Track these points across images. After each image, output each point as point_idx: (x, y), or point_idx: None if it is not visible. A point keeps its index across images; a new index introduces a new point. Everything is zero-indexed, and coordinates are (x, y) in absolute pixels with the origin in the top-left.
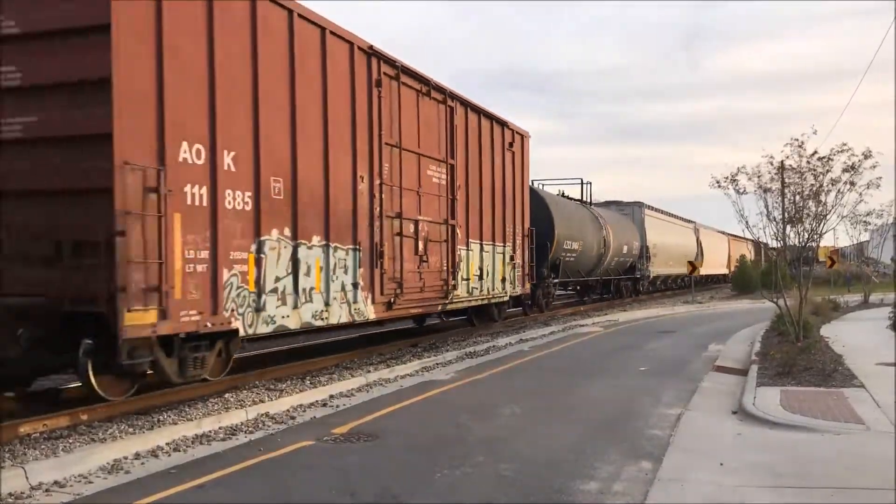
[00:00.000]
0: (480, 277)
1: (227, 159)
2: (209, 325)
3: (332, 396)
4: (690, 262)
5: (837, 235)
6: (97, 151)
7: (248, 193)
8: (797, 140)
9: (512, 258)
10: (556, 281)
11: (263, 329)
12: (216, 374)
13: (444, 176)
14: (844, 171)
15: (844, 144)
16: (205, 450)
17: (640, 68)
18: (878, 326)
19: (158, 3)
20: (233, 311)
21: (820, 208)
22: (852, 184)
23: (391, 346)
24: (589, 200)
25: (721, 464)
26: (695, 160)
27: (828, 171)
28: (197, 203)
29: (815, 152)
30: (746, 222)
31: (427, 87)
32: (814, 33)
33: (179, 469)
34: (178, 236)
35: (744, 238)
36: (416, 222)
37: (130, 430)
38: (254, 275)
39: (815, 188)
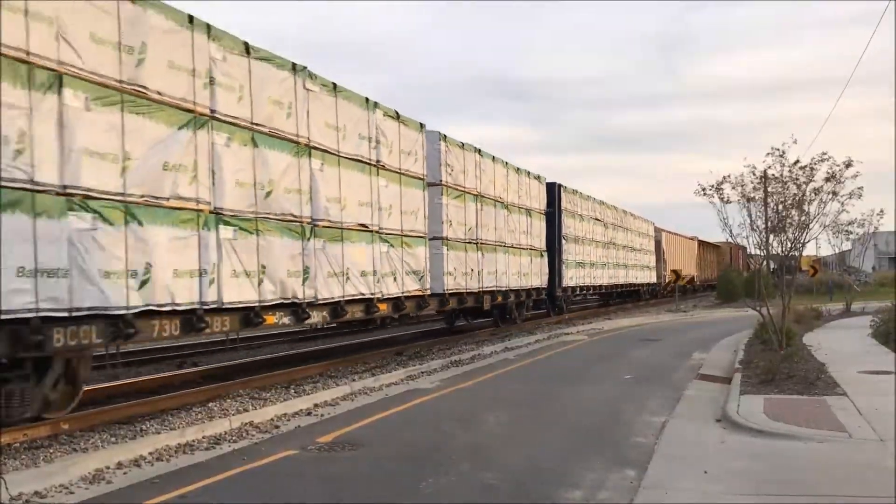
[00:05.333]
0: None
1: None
2: None
3: (316, 405)
4: (674, 271)
5: (820, 245)
6: None
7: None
8: (779, 149)
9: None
10: None
11: None
12: None
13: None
14: (826, 180)
15: (825, 153)
16: (188, 459)
17: (620, 77)
18: (861, 335)
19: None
20: None
21: (802, 217)
22: (834, 193)
23: (376, 355)
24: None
25: (705, 471)
26: (674, 168)
27: (810, 180)
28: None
29: (798, 161)
30: (730, 231)
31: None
32: (794, 42)
33: (162, 479)
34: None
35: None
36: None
37: (113, 439)
38: None
39: (797, 197)
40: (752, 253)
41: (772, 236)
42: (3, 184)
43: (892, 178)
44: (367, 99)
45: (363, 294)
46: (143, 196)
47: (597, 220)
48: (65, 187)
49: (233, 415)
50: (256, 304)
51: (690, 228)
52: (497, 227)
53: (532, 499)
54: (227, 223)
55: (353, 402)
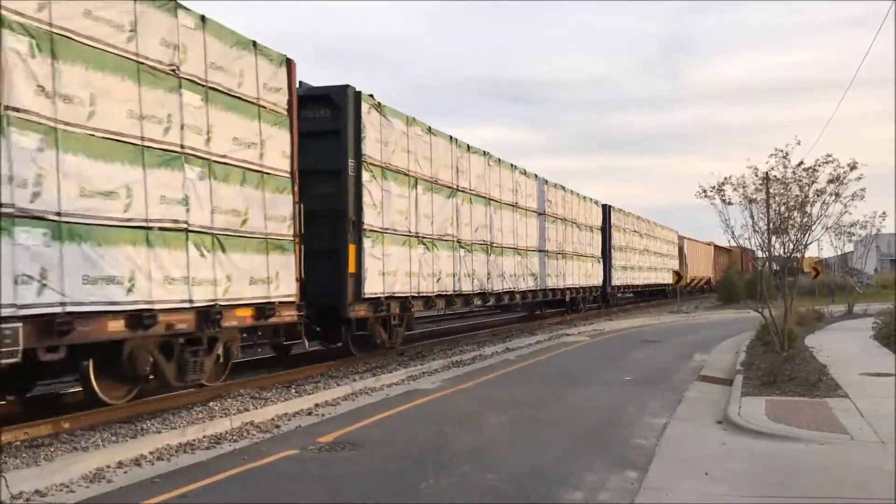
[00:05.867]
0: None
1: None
2: None
3: (317, 405)
4: (676, 272)
5: (822, 246)
6: None
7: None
8: (782, 151)
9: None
10: None
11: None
12: None
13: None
14: (830, 182)
15: (829, 155)
16: (189, 458)
17: (622, 79)
18: (862, 336)
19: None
20: None
21: (805, 219)
22: (837, 195)
23: (377, 355)
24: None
25: (706, 473)
26: (675, 170)
27: (813, 182)
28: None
29: (801, 163)
30: (732, 232)
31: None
32: (795, 44)
33: (163, 478)
34: None
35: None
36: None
37: (113, 438)
38: None
39: (800, 199)
40: (756, 255)
41: (774, 238)
42: (397, 234)
43: (892, 180)
44: (512, 164)
45: (509, 288)
46: (438, 235)
47: (635, 231)
48: (417, 233)
49: (234, 414)
50: (471, 293)
51: (690, 230)
52: (573, 242)
53: (533, 500)
54: (462, 246)
55: (353, 402)
